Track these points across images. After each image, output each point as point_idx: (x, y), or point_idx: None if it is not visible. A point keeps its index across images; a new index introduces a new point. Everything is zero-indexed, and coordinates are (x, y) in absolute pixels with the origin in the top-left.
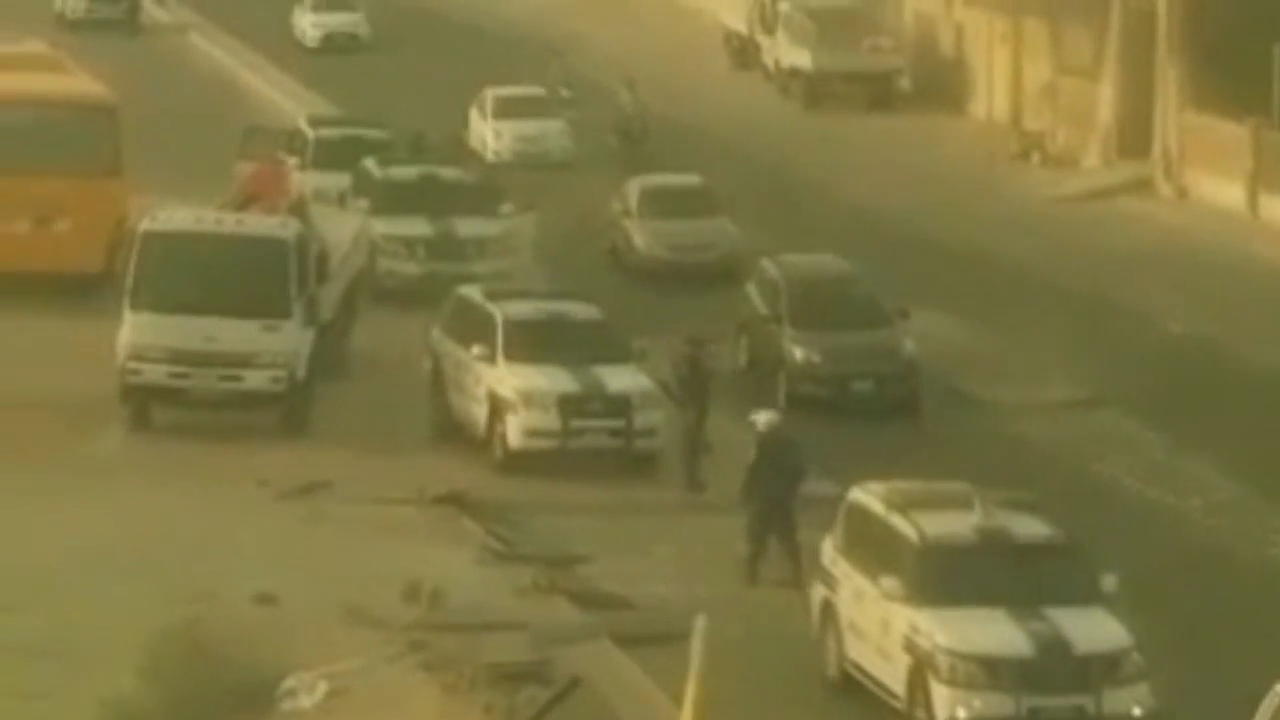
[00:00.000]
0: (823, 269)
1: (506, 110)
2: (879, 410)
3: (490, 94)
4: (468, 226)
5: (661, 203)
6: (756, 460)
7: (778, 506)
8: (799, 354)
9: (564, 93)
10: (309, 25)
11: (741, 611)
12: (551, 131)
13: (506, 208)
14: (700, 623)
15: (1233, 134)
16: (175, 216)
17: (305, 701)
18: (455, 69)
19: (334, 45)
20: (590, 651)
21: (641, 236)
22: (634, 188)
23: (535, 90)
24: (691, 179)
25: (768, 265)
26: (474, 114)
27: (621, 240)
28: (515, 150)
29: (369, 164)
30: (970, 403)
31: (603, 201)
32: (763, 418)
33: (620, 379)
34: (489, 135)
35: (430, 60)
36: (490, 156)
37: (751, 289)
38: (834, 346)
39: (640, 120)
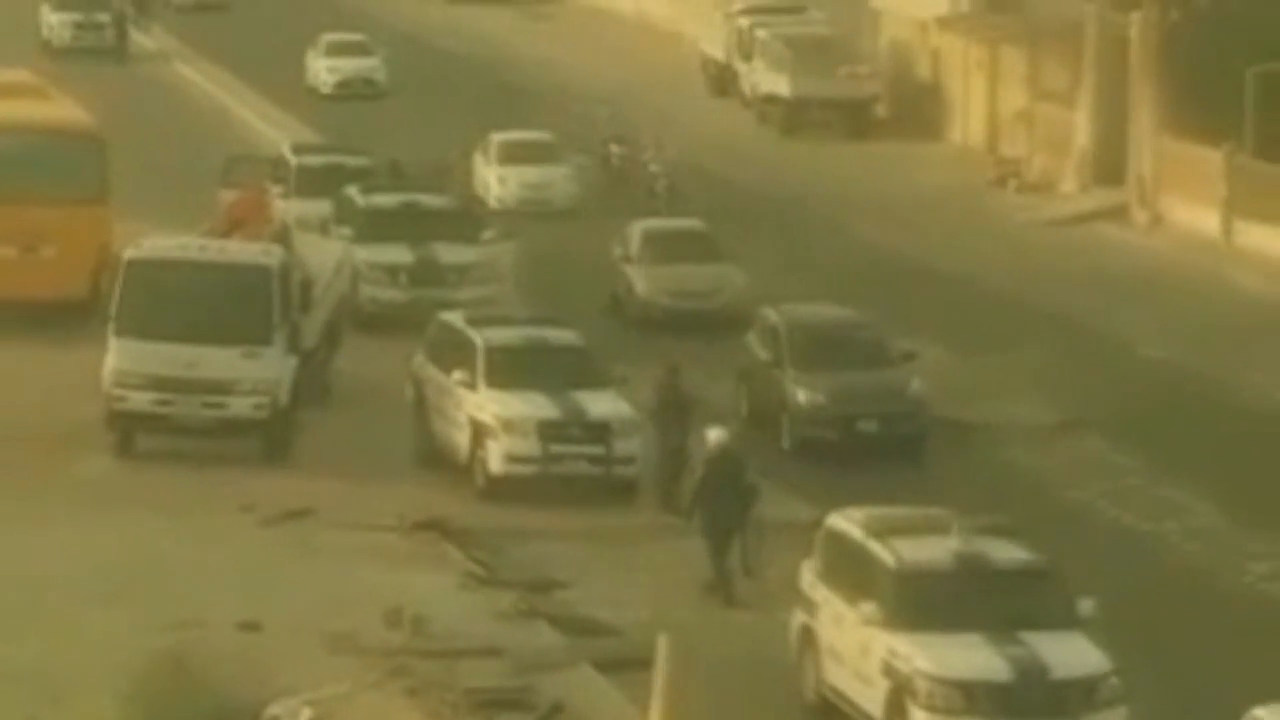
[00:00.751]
0: (825, 314)
1: (511, 156)
2: (886, 450)
3: (495, 139)
4: (449, 253)
5: (663, 247)
6: (704, 479)
7: (728, 526)
8: (802, 396)
9: (615, 149)
10: (324, 70)
11: (720, 636)
12: (557, 178)
13: (488, 234)
14: (663, 643)
15: (1207, 160)
16: (160, 244)
17: None
18: (475, 115)
19: (350, 91)
20: (571, 677)
21: (643, 283)
22: (635, 232)
23: (541, 135)
24: (694, 223)
25: (768, 313)
26: (478, 159)
27: (623, 287)
28: (520, 197)
29: (351, 191)
30: (945, 425)
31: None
32: (712, 435)
33: (600, 405)
34: (493, 181)
35: (448, 105)
36: (494, 203)
37: (751, 338)
38: (838, 387)
39: (668, 179)
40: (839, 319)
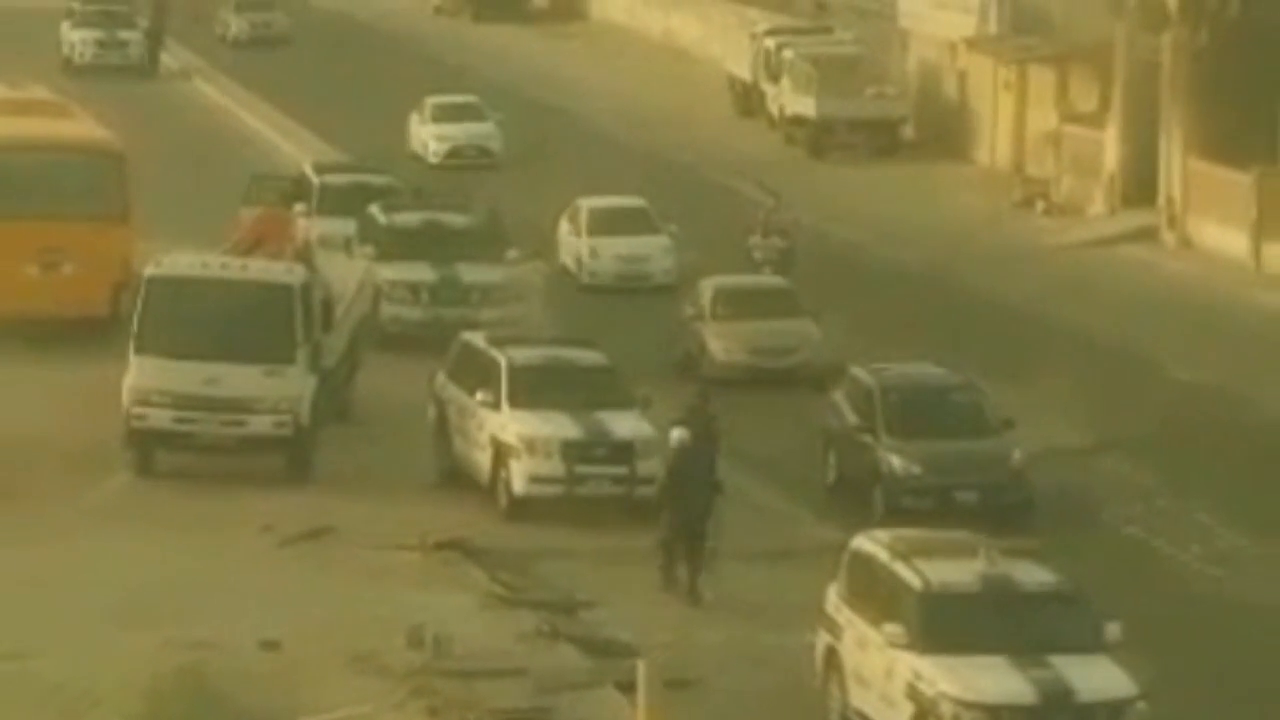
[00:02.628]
0: (920, 375)
1: (602, 225)
2: (986, 521)
3: (584, 206)
4: (472, 272)
5: (738, 303)
6: (669, 477)
7: (690, 520)
8: (897, 464)
9: (779, 242)
10: (431, 138)
11: (745, 658)
12: (654, 250)
13: (512, 254)
14: (641, 668)
15: (1237, 182)
16: (181, 261)
17: None
18: (600, 183)
19: (462, 160)
20: (594, 698)
21: (717, 341)
22: (707, 288)
23: (634, 201)
24: (772, 278)
25: (859, 373)
26: (564, 227)
27: (695, 346)
28: (614, 271)
29: (374, 210)
30: None
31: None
32: (675, 434)
33: (624, 425)
34: (584, 252)
35: (571, 175)
36: (585, 278)
37: (840, 398)
38: (935, 456)
39: (790, 247)
40: (936, 381)
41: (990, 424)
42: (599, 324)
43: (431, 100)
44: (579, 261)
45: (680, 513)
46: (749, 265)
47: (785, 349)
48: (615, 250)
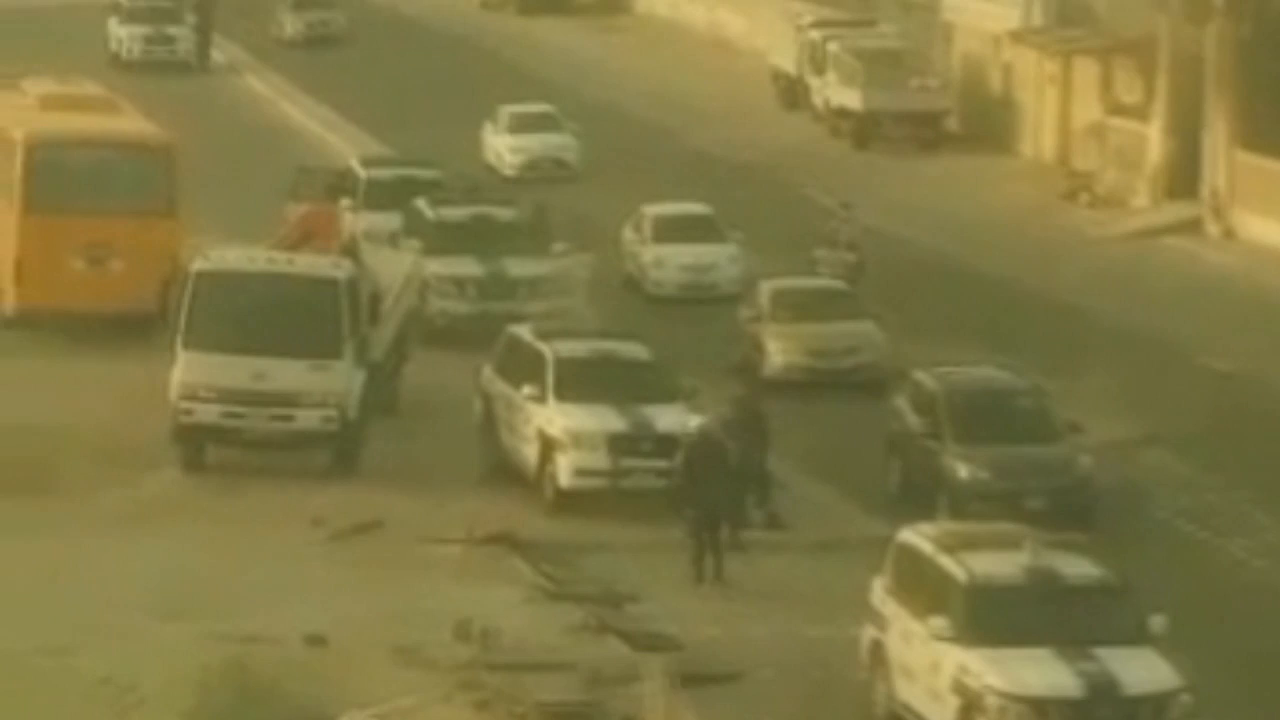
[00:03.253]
0: (986, 380)
1: (668, 232)
2: (1053, 528)
3: (649, 213)
4: (519, 266)
5: (798, 304)
6: (684, 466)
7: (712, 509)
8: (964, 471)
9: (848, 256)
10: (506, 149)
11: (790, 652)
12: (721, 258)
13: (559, 247)
14: (656, 667)
15: None
16: (228, 256)
17: None
18: (663, 188)
19: (538, 172)
20: (641, 692)
21: (777, 343)
22: (765, 289)
23: (699, 208)
24: (828, 281)
25: (923, 377)
26: (628, 234)
27: (753, 348)
28: (680, 281)
29: (420, 204)
30: None
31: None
32: (693, 421)
33: (669, 418)
34: (648, 261)
35: (651, 185)
36: (651, 287)
37: (902, 403)
38: (1002, 461)
39: (859, 262)
40: (1002, 385)
41: (1057, 428)
42: (662, 331)
43: (507, 109)
44: (643, 270)
45: (698, 502)
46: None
47: (845, 350)
48: (681, 259)
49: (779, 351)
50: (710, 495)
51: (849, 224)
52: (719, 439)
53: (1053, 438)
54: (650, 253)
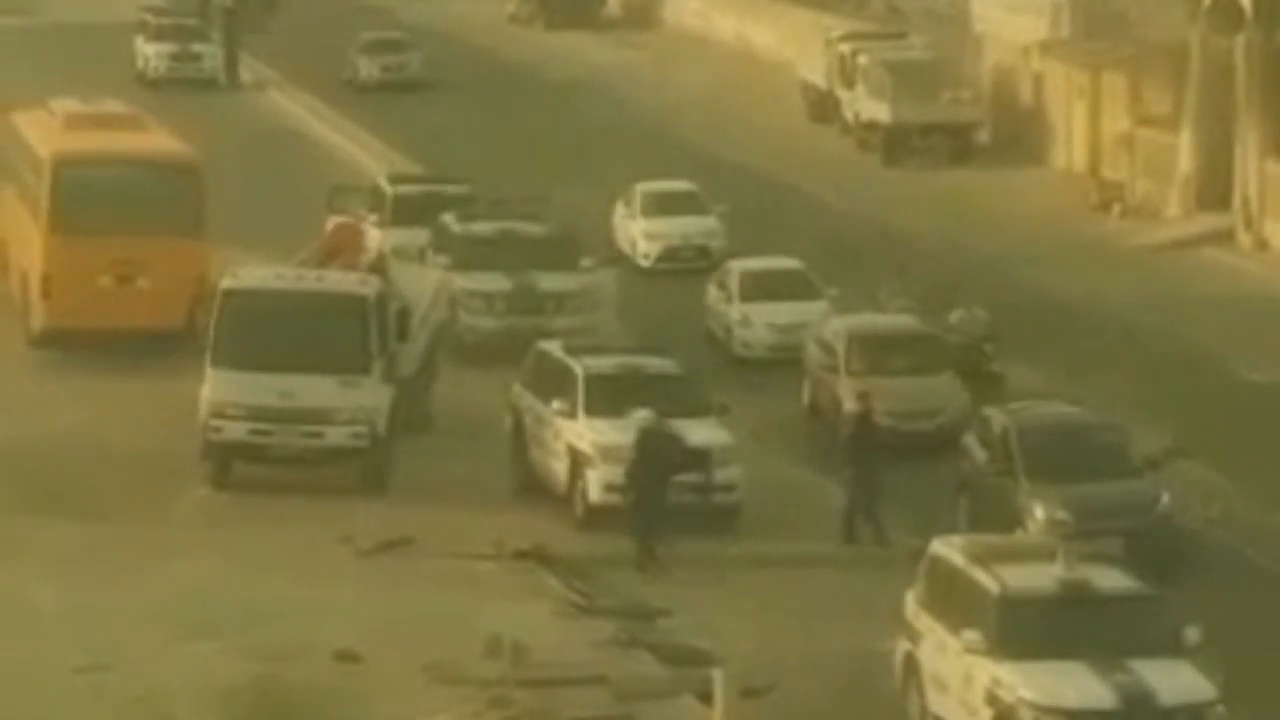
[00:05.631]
0: (1060, 416)
1: (757, 289)
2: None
3: (735, 268)
4: (547, 281)
5: (873, 353)
6: (634, 459)
7: (656, 500)
8: (1039, 511)
9: (900, 303)
10: (640, 235)
11: (824, 665)
12: (814, 316)
13: (587, 262)
14: (718, 675)
15: None
16: (256, 273)
17: None
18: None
19: (679, 262)
20: (672, 707)
21: (851, 397)
22: (839, 332)
23: (789, 263)
24: (908, 321)
25: (993, 413)
26: (713, 292)
27: (827, 399)
28: (770, 342)
29: (448, 219)
30: None
31: None
32: (639, 415)
33: (700, 433)
34: (735, 319)
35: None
36: (738, 349)
37: (971, 441)
38: (1079, 500)
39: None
40: (1077, 421)
41: (1134, 465)
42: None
43: (641, 189)
44: (729, 330)
45: (647, 496)
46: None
47: (927, 412)
48: (770, 317)
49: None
50: (653, 487)
51: (906, 283)
52: (668, 433)
53: (1131, 474)
54: (737, 310)
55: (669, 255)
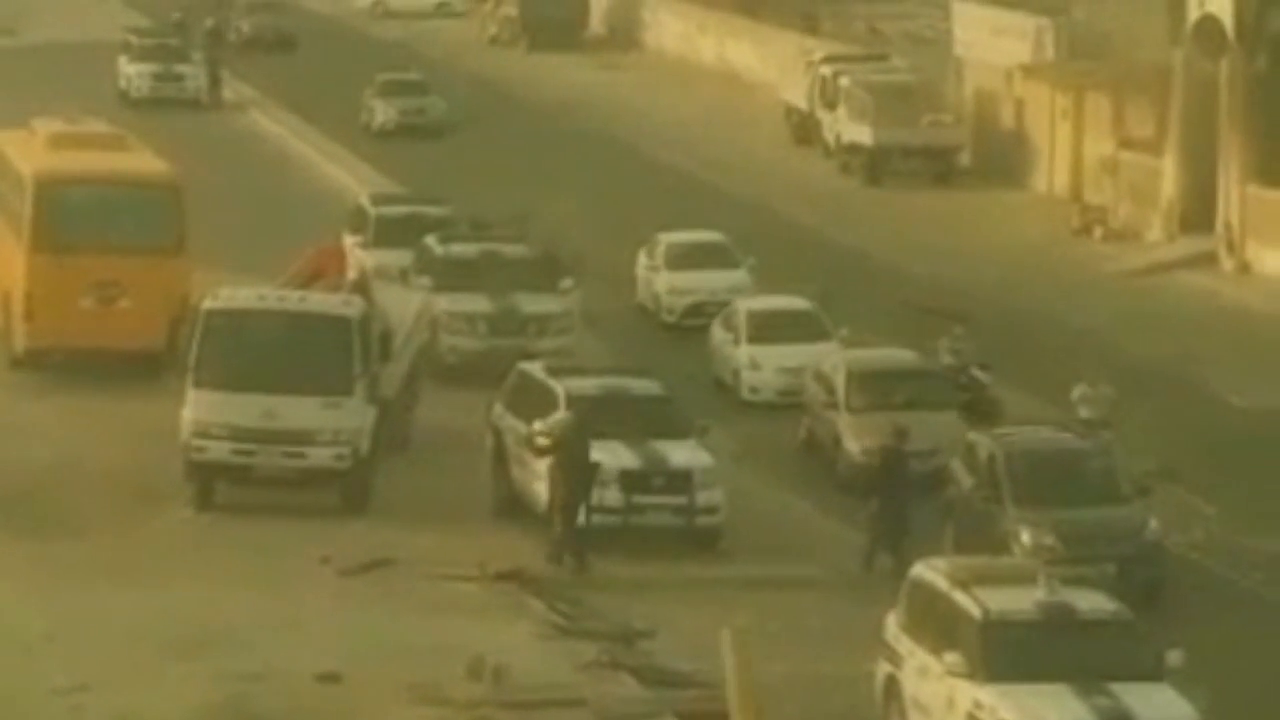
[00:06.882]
0: (1048, 441)
1: (764, 331)
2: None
3: (741, 308)
4: (529, 303)
5: (880, 388)
6: (557, 460)
7: (575, 499)
8: (1026, 537)
9: (959, 368)
10: (665, 289)
11: (806, 688)
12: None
13: (567, 283)
14: (726, 638)
15: None
16: (238, 294)
17: None
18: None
19: (704, 316)
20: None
21: (854, 440)
22: (840, 366)
23: (798, 302)
24: (912, 355)
25: (978, 438)
26: (718, 334)
27: (825, 435)
28: (779, 386)
29: (430, 241)
30: None
31: None
32: (560, 415)
33: (682, 455)
34: (743, 363)
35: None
36: (746, 393)
37: (956, 465)
38: (1066, 526)
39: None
40: (1065, 447)
41: (1123, 490)
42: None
43: (666, 239)
44: (737, 374)
45: (568, 494)
46: None
47: (927, 451)
48: (779, 360)
49: (858, 450)
50: (573, 486)
51: (965, 342)
52: (585, 433)
53: (1120, 500)
54: (745, 353)
55: (695, 311)
